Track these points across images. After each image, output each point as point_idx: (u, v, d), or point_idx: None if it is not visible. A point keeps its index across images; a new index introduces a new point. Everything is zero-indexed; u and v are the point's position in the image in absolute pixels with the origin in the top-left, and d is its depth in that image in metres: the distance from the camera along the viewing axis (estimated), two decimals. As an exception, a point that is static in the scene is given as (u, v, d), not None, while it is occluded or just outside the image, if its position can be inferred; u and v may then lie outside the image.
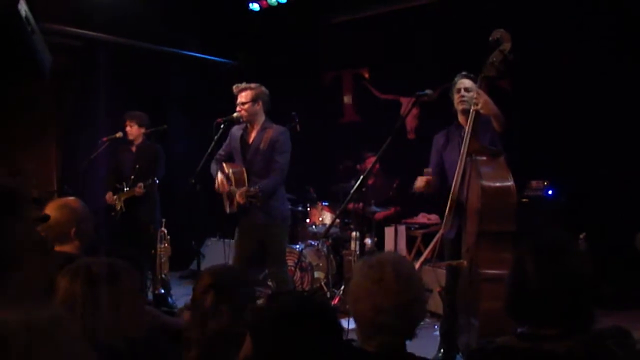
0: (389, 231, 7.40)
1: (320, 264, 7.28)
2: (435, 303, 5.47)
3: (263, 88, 5.63)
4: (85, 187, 7.08)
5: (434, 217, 7.67)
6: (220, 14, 9.29)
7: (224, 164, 5.70)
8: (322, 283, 7.10)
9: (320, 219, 7.81)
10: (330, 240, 7.35)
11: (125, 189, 6.94)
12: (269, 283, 5.57)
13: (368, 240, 7.02)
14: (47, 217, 2.40)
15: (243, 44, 9.82)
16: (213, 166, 5.70)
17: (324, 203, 7.87)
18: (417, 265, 6.90)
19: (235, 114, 5.52)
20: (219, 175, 5.61)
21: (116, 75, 8.48)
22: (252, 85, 5.58)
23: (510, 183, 4.33)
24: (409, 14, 8.54)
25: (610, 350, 2.04)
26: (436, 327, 5.41)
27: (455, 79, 4.95)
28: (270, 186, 5.44)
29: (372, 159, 8.02)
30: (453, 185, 4.61)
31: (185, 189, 5.72)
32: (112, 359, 2.28)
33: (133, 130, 7.11)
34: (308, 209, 7.95)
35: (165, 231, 6.90)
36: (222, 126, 5.50)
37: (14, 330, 1.23)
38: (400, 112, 8.62)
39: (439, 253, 4.86)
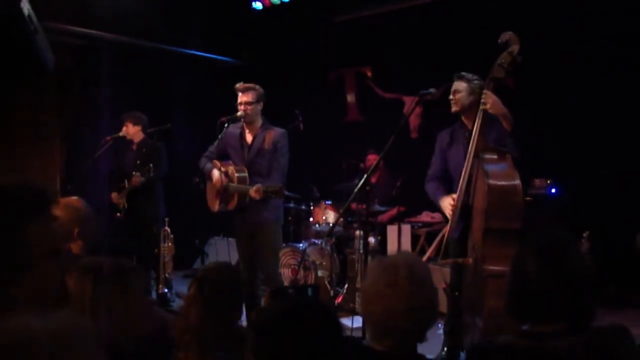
0: (392, 230, 7.39)
1: (324, 263, 7.27)
2: (440, 301, 5.45)
3: (262, 90, 5.66)
4: (88, 186, 7.10)
5: (437, 216, 7.67)
6: (223, 13, 9.29)
7: (218, 162, 5.72)
8: (326, 282, 7.09)
9: (324, 217, 7.80)
10: (333, 239, 7.34)
11: (126, 186, 6.97)
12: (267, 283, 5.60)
13: (372, 239, 7.02)
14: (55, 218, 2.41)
15: (246, 42, 9.82)
16: (207, 164, 5.70)
17: (327, 202, 7.86)
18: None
19: (239, 113, 5.54)
20: (215, 172, 5.63)
21: (119, 74, 8.48)
22: (256, 86, 5.61)
23: (516, 182, 4.34)
24: (412, 13, 8.54)
25: (610, 348, 2.05)
26: (440, 325, 5.40)
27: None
28: (280, 184, 5.47)
29: (374, 157, 8.06)
30: (460, 184, 4.60)
31: (188, 187, 5.73)
32: (119, 358, 2.29)
33: (129, 130, 7.13)
34: (311, 207, 7.95)
35: (169, 230, 6.91)
36: (226, 125, 5.54)
37: (38, 337, 1.23)
38: (404, 111, 8.61)
39: (444, 251, 4.85)
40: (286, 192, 5.57)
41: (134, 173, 6.90)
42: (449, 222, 4.73)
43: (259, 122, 5.66)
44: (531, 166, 6.63)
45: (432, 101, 5.13)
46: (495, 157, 4.45)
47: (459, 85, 4.87)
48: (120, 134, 7.13)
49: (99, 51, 8.37)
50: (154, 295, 6.74)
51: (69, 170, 7.79)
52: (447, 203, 4.86)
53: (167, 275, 6.98)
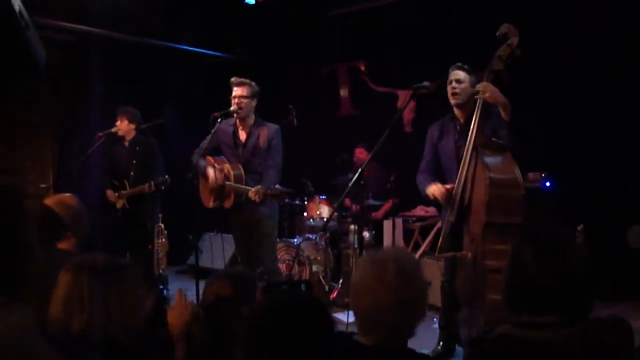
0: (387, 224, 7.39)
1: (318, 258, 7.27)
2: (435, 296, 5.46)
3: (257, 87, 5.64)
4: (80, 183, 7.07)
5: (431, 210, 7.66)
6: (216, 8, 9.26)
7: (211, 158, 5.71)
8: (321, 277, 7.09)
9: (318, 212, 7.80)
10: (328, 234, 7.34)
11: (127, 187, 6.93)
12: (265, 277, 5.60)
13: (366, 234, 7.01)
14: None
15: (239, 37, 9.78)
16: (201, 161, 5.68)
17: (321, 197, 7.85)
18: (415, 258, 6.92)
19: (232, 108, 5.53)
20: (210, 171, 5.61)
21: (111, 70, 8.44)
22: (251, 82, 5.60)
23: (517, 175, 4.35)
24: (405, 6, 8.51)
25: (608, 339, 2.05)
26: (435, 319, 5.40)
27: (450, 69, 4.94)
28: (276, 183, 5.46)
29: (361, 150, 8.06)
30: (458, 177, 4.58)
31: (182, 183, 5.71)
32: (115, 352, 2.29)
33: (123, 126, 7.07)
34: (305, 202, 7.94)
35: (163, 226, 6.89)
36: (219, 120, 5.53)
37: None
38: (398, 105, 8.61)
39: (440, 246, 4.84)
40: (282, 188, 5.58)
41: (132, 174, 6.87)
42: (448, 212, 4.67)
43: (252, 119, 5.65)
44: (525, 160, 6.62)
45: (425, 95, 5.11)
46: (495, 150, 4.44)
47: (462, 75, 4.84)
48: (113, 130, 7.08)
49: (90, 47, 8.32)
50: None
51: (61, 167, 7.76)
52: (435, 187, 4.82)
53: (161, 271, 6.96)
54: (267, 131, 5.58)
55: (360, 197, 6.48)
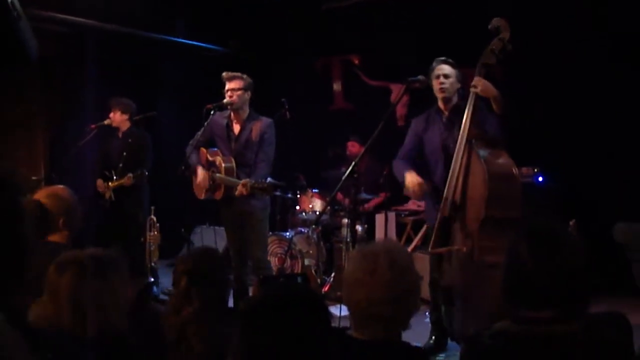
0: (379, 218, 7.40)
1: (311, 251, 7.27)
2: (427, 290, 5.46)
3: (250, 80, 5.62)
4: (73, 174, 7.04)
5: (424, 204, 7.65)
6: (209, 0, 9.23)
7: (205, 150, 5.71)
8: (313, 270, 7.09)
9: (310, 206, 7.79)
10: (320, 228, 7.34)
11: (114, 178, 6.89)
12: (256, 270, 5.61)
13: (359, 228, 7.02)
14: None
15: (232, 30, 9.75)
16: (193, 156, 5.67)
17: (313, 190, 7.85)
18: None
19: (225, 100, 5.52)
20: (200, 171, 5.59)
21: (104, 62, 8.40)
22: (244, 75, 5.58)
23: (514, 168, 4.35)
24: (399, 0, 8.50)
25: (607, 334, 2.05)
26: (427, 314, 5.41)
27: (433, 64, 4.94)
28: (266, 177, 5.45)
29: (352, 144, 8.05)
30: (451, 171, 4.55)
31: (174, 176, 5.70)
32: (102, 350, 2.27)
33: (116, 117, 7.02)
34: (298, 196, 7.94)
35: (155, 219, 6.88)
36: (212, 112, 5.52)
37: None
38: (391, 99, 8.60)
39: (434, 240, 4.82)
40: (272, 181, 5.58)
41: (120, 165, 6.85)
42: (442, 204, 4.61)
43: (246, 112, 5.63)
44: (518, 154, 6.63)
45: (419, 89, 5.10)
46: (488, 142, 4.44)
47: (448, 70, 4.86)
48: (106, 122, 7.04)
49: (83, 39, 8.28)
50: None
51: (54, 159, 7.73)
52: (412, 177, 4.81)
53: (152, 264, 6.95)
54: (260, 125, 5.57)
55: (353, 190, 6.48)
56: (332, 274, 7.14)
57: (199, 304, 2.73)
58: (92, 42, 8.36)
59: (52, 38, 7.68)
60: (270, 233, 6.88)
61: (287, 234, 7.45)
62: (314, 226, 7.15)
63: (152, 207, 6.88)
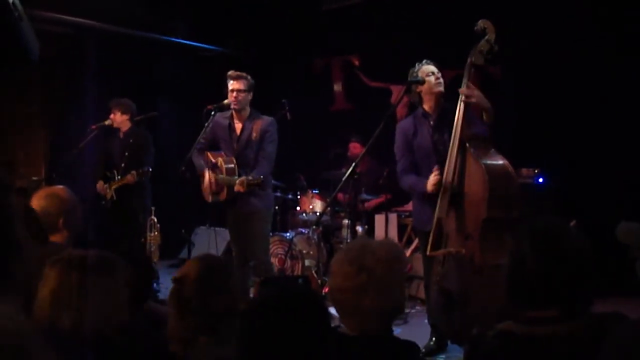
0: (379, 219, 7.39)
1: (311, 252, 7.26)
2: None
3: (253, 80, 5.63)
4: (73, 175, 7.04)
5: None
6: (209, 1, 9.23)
7: (209, 153, 5.70)
8: (313, 271, 7.09)
9: (311, 207, 7.79)
10: (320, 228, 7.34)
11: (116, 178, 6.89)
12: (258, 270, 5.60)
13: (359, 228, 7.01)
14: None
15: (232, 31, 9.75)
16: (200, 160, 5.66)
17: (314, 191, 7.85)
18: (408, 253, 6.93)
19: (226, 101, 5.51)
20: (206, 176, 5.60)
21: (105, 63, 8.41)
22: (248, 75, 5.57)
23: (510, 169, 4.35)
24: (400, 1, 8.50)
25: (609, 334, 2.04)
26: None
27: (419, 65, 4.93)
28: (266, 174, 5.44)
29: (354, 145, 8.05)
30: (445, 173, 4.55)
31: (174, 176, 5.70)
32: (104, 348, 2.27)
33: (117, 118, 7.01)
34: (298, 197, 7.93)
35: (155, 219, 6.87)
36: (212, 113, 5.51)
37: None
38: (391, 100, 8.59)
39: (432, 243, 4.80)
40: (273, 181, 5.56)
41: (122, 165, 6.84)
42: (439, 207, 4.58)
43: (248, 112, 5.62)
44: (518, 155, 6.64)
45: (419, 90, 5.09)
46: (481, 143, 4.44)
47: (436, 69, 4.90)
48: (107, 122, 7.02)
49: (84, 39, 8.29)
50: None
51: (54, 160, 7.73)
52: (431, 180, 4.69)
53: (153, 264, 6.94)
54: (262, 123, 5.56)
55: (353, 192, 6.49)
56: (333, 275, 7.12)
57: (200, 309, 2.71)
58: (92, 42, 8.37)
59: (52, 38, 7.69)
60: (271, 234, 6.87)
61: (288, 234, 7.45)
62: (314, 227, 7.13)
63: (153, 208, 6.87)
